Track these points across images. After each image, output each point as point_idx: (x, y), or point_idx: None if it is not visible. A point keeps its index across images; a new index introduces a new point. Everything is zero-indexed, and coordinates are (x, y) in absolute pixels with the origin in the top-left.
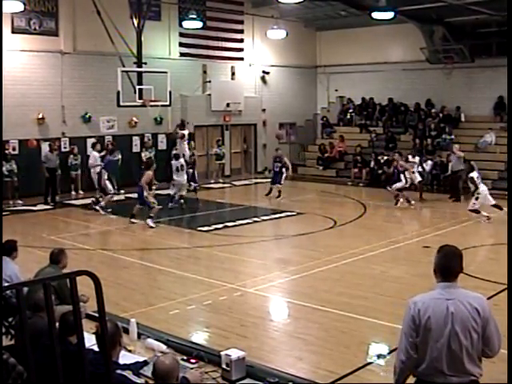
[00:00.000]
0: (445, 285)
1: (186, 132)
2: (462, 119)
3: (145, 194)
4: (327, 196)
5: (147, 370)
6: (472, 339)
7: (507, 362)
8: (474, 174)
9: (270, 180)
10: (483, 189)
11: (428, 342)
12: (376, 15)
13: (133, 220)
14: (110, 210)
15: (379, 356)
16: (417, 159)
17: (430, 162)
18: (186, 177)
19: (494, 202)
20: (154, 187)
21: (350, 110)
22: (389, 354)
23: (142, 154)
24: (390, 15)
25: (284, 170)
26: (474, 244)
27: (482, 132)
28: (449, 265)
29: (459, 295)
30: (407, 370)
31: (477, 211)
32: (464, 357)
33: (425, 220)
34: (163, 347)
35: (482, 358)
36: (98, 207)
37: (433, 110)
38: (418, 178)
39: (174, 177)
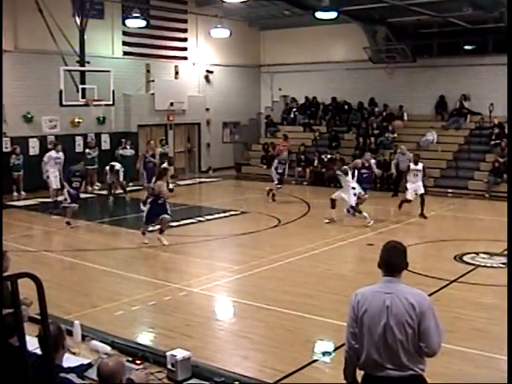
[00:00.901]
0: (387, 279)
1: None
2: (405, 118)
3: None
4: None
5: (92, 373)
6: (407, 334)
7: (507, 362)
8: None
9: (276, 181)
10: (355, 186)
11: (365, 334)
12: (319, 15)
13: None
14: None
15: (324, 353)
16: (420, 166)
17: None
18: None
19: (354, 204)
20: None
21: (294, 109)
22: (334, 351)
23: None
24: (333, 15)
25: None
26: (416, 241)
27: (423, 131)
28: (391, 260)
29: (398, 290)
30: (351, 360)
31: (359, 211)
32: (400, 351)
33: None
34: (108, 349)
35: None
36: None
37: (376, 109)
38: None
39: None
